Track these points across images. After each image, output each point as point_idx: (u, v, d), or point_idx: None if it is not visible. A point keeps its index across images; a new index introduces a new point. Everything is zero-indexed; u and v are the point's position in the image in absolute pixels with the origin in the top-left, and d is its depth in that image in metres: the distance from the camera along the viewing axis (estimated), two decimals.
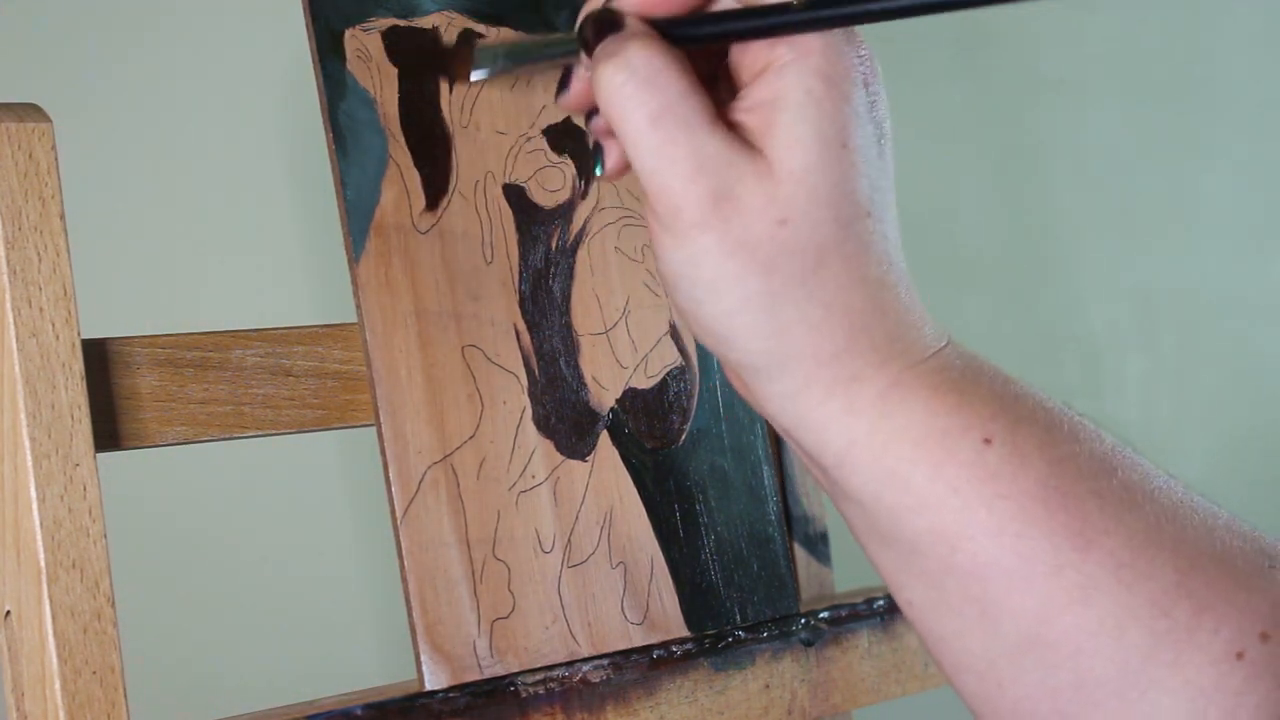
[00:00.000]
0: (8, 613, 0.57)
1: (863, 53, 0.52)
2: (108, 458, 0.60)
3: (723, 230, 0.49)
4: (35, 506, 0.56)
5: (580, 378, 0.70)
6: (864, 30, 0.52)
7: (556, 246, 0.70)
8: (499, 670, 0.65)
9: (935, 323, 0.53)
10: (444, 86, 0.69)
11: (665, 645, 0.70)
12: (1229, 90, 1.72)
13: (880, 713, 0.85)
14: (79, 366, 0.58)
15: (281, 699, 0.65)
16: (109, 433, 0.60)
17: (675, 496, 0.72)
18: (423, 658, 0.64)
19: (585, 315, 0.71)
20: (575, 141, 0.72)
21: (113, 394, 0.61)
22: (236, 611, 1.04)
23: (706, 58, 0.53)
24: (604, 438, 0.70)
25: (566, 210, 0.71)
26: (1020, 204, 1.57)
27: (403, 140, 0.67)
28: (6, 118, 0.57)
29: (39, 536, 0.56)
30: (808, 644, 0.74)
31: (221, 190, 1.04)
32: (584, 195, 0.72)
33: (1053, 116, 1.58)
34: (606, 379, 0.71)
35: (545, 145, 0.71)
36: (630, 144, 0.50)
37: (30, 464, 0.56)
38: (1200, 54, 1.70)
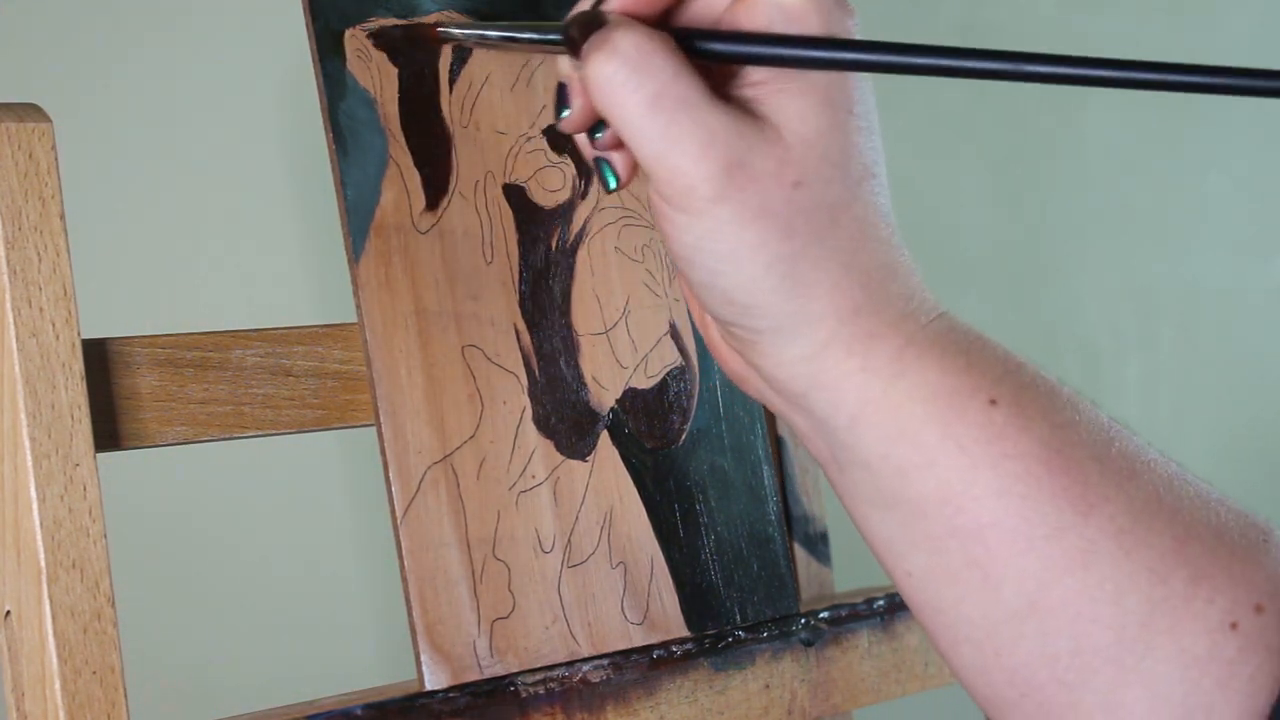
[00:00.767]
0: (8, 613, 0.57)
1: (852, 10, 0.53)
2: (108, 458, 0.60)
3: (740, 200, 0.50)
4: (35, 506, 0.56)
5: (580, 378, 0.70)
6: (861, 21, 0.53)
7: (556, 246, 0.70)
8: (499, 670, 0.65)
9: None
10: (444, 86, 0.69)
11: (665, 645, 0.70)
12: None
13: (880, 713, 0.85)
14: (79, 366, 0.58)
15: (281, 699, 0.65)
16: (109, 433, 0.60)
17: (675, 496, 0.72)
18: (423, 658, 0.64)
19: (585, 315, 0.71)
20: (575, 141, 0.72)
21: (113, 394, 0.61)
22: (236, 611, 1.04)
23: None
24: (604, 438, 0.70)
25: (566, 210, 0.71)
26: (1020, 204, 1.57)
27: (403, 140, 0.67)
28: (6, 118, 0.57)
29: (39, 536, 0.56)
30: (808, 644, 0.74)
31: (221, 190, 1.04)
32: (584, 195, 0.72)
33: (1053, 116, 1.58)
34: (606, 379, 0.71)
35: (545, 145, 0.71)
36: (632, 131, 0.50)
37: (30, 464, 0.56)
38: (1200, 54, 1.70)
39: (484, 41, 0.58)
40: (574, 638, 0.68)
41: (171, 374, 0.62)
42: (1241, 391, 1.72)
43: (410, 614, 0.64)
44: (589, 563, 0.69)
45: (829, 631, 0.74)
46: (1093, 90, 1.61)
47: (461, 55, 0.70)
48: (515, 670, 0.66)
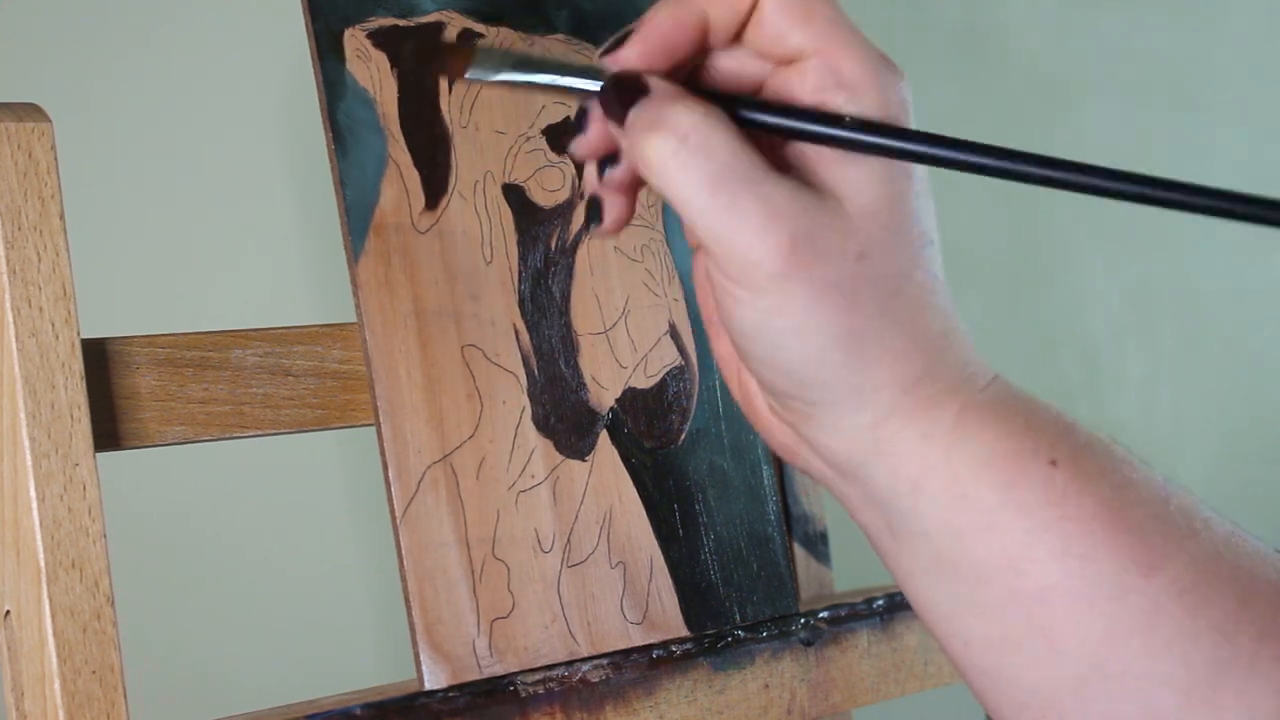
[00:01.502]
0: (7, 612, 0.57)
1: (902, 72, 0.51)
2: (108, 458, 0.60)
3: (806, 276, 0.48)
4: (35, 506, 0.56)
5: (580, 377, 0.70)
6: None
7: (556, 246, 0.70)
8: (498, 670, 0.65)
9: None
10: (444, 86, 0.69)
11: (665, 645, 0.70)
12: (1229, 90, 1.72)
13: (880, 712, 0.86)
14: (79, 366, 0.58)
15: (281, 699, 0.65)
16: (109, 432, 0.60)
17: (675, 496, 0.72)
18: (422, 657, 0.64)
19: (584, 315, 0.71)
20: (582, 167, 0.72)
21: (112, 394, 0.61)
22: (236, 611, 1.04)
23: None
24: (603, 437, 0.70)
25: (566, 210, 0.71)
26: (1020, 204, 1.57)
27: (402, 140, 0.67)
28: (6, 118, 0.57)
29: (38, 536, 0.56)
30: (807, 644, 0.74)
31: (221, 190, 1.04)
32: (583, 195, 0.72)
33: (1053, 116, 1.58)
34: (606, 379, 0.71)
35: (545, 145, 0.71)
36: (691, 212, 0.48)
37: (30, 464, 0.56)
38: (1200, 54, 1.70)
39: (508, 79, 0.56)
40: (573, 637, 0.68)
41: (171, 374, 0.62)
42: (1242, 391, 1.72)
43: (410, 614, 0.64)
44: (588, 562, 0.69)
45: (828, 631, 0.74)
46: (1093, 90, 1.61)
47: None
48: (515, 670, 0.66)
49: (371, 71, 0.67)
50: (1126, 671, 0.49)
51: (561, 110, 0.72)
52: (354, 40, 0.67)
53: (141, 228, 1.01)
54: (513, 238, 0.69)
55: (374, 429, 0.65)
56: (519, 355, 0.69)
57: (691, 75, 0.51)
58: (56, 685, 0.56)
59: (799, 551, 0.79)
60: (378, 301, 0.65)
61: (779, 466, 0.78)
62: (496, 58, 0.53)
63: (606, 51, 0.50)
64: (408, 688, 0.64)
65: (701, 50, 0.51)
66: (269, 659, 1.04)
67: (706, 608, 0.72)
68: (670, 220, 0.74)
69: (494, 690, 0.65)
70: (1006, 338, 1.51)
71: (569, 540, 0.68)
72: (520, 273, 0.69)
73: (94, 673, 0.57)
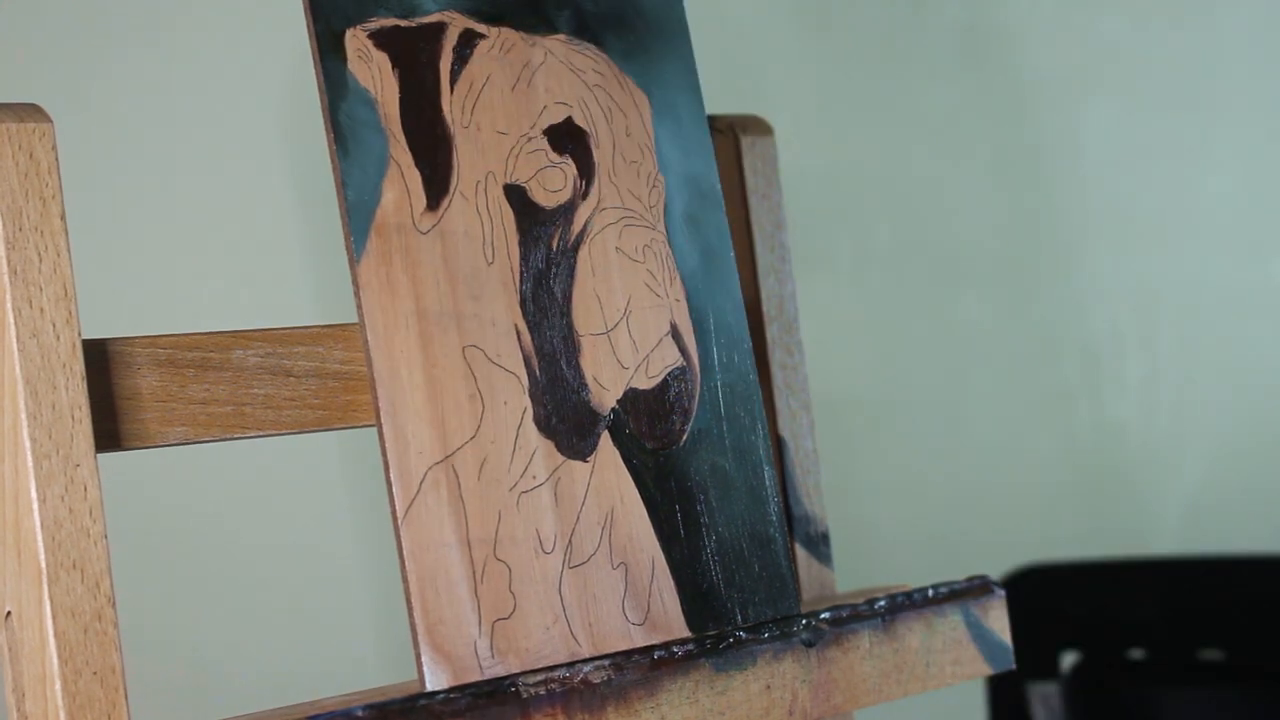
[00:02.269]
0: (8, 613, 0.57)
1: None
2: (108, 458, 0.60)
3: None
4: (36, 507, 0.56)
5: (581, 378, 0.70)
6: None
7: (557, 247, 0.70)
8: (500, 671, 0.65)
9: None
10: (445, 86, 0.69)
11: (666, 646, 0.70)
12: (1229, 90, 1.72)
13: (881, 713, 0.85)
14: (79, 367, 0.58)
15: (281, 699, 0.65)
16: (109, 433, 0.60)
17: (676, 497, 0.72)
18: (423, 658, 0.64)
19: (586, 315, 0.71)
20: (576, 142, 0.72)
21: (113, 394, 0.60)
22: (237, 612, 1.04)
23: None
24: (605, 438, 0.70)
25: (567, 210, 0.71)
26: (1020, 204, 1.57)
27: (403, 140, 0.67)
28: (6, 118, 0.57)
29: (39, 537, 0.56)
30: (809, 644, 0.74)
31: (222, 190, 1.04)
32: (585, 195, 0.72)
33: (1053, 116, 1.58)
34: (607, 379, 0.71)
35: (546, 145, 0.71)
36: None
37: (31, 464, 0.56)
38: (1200, 54, 1.70)
39: None
40: (575, 638, 0.68)
41: (172, 374, 0.62)
42: (1241, 391, 1.72)
43: (411, 614, 0.64)
44: (590, 563, 0.69)
45: (830, 632, 0.74)
46: (1093, 90, 1.61)
47: (462, 55, 0.70)
48: (516, 671, 0.66)
49: (373, 72, 0.67)
50: None
51: (563, 110, 0.72)
52: (355, 40, 0.67)
53: (142, 228, 1.01)
54: (514, 238, 0.69)
55: (375, 430, 0.65)
56: (520, 356, 0.69)
57: None
58: (57, 686, 0.56)
59: (801, 552, 0.79)
60: (379, 302, 0.65)
61: (781, 467, 0.78)
62: None
63: None
64: (409, 688, 0.64)
65: None
66: (270, 659, 1.04)
67: (708, 608, 0.72)
68: (671, 221, 0.74)
69: (495, 691, 0.65)
70: (1006, 338, 1.51)
71: (570, 541, 0.68)
72: (522, 273, 0.69)
73: (95, 673, 0.57)
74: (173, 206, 1.02)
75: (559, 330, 0.70)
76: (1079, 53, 1.60)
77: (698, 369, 0.73)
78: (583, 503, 0.69)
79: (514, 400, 0.68)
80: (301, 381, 0.65)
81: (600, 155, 0.72)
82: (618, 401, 0.71)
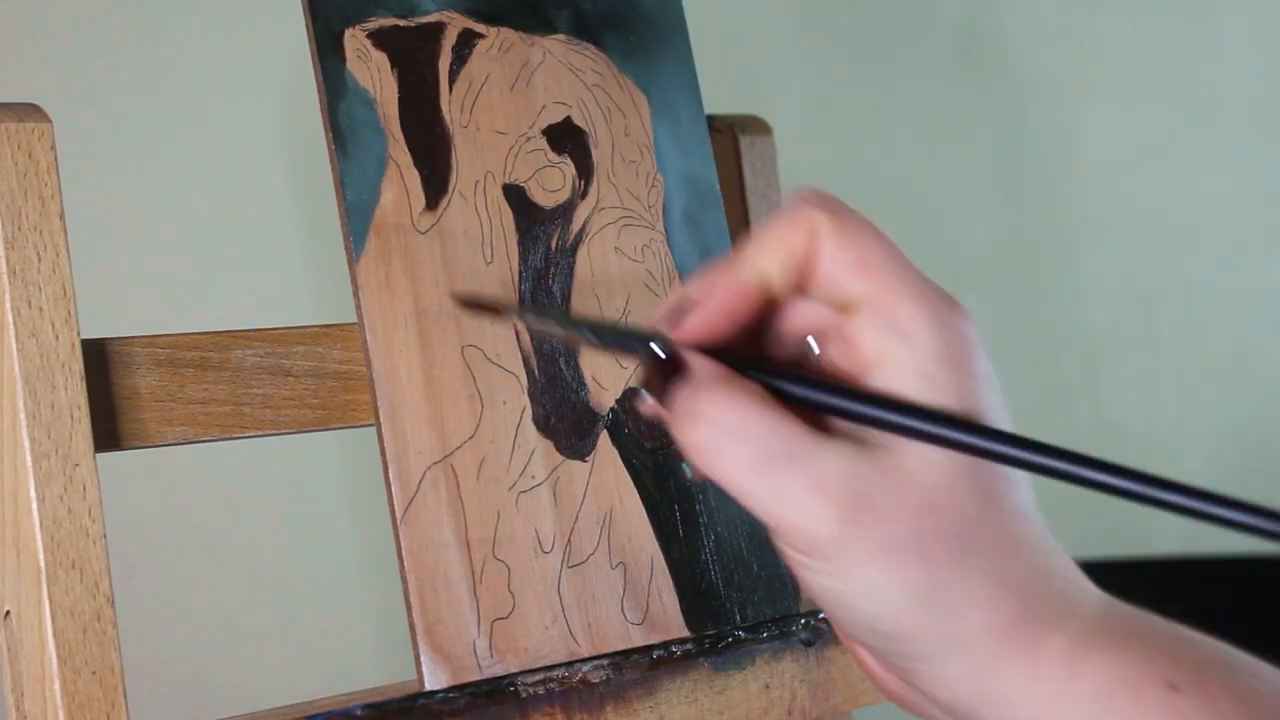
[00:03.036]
0: (7, 613, 0.57)
1: (963, 307, 0.50)
2: (108, 458, 0.60)
3: (867, 538, 0.47)
4: (35, 506, 0.56)
5: (580, 378, 0.70)
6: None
7: (556, 246, 0.70)
8: (499, 670, 0.65)
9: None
10: (444, 86, 0.69)
11: (665, 645, 0.70)
12: (1229, 90, 1.72)
13: (880, 713, 0.85)
14: (79, 366, 0.58)
15: (281, 699, 0.65)
16: (109, 433, 0.60)
17: (675, 496, 0.72)
18: (422, 658, 0.64)
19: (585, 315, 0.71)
20: (575, 141, 0.72)
21: (112, 394, 0.60)
22: (236, 612, 1.04)
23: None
24: (604, 438, 0.70)
25: (566, 210, 0.71)
26: (1020, 204, 1.57)
27: (402, 140, 0.67)
28: (6, 118, 0.57)
29: (38, 536, 0.56)
30: (808, 644, 0.74)
31: (221, 190, 1.04)
32: (584, 195, 0.72)
33: (1053, 116, 1.58)
34: (606, 379, 0.71)
35: (545, 145, 0.71)
36: (739, 494, 0.48)
37: (30, 464, 0.56)
38: (1200, 54, 1.70)
39: (547, 330, 0.53)
40: (574, 638, 0.68)
41: (171, 374, 0.62)
42: (1241, 391, 1.72)
43: (410, 614, 0.64)
44: (589, 563, 0.69)
45: (829, 631, 0.74)
46: (1093, 91, 1.61)
47: (461, 55, 0.70)
48: (515, 670, 0.66)
49: (372, 72, 0.67)
50: None
51: (562, 110, 0.72)
52: (354, 40, 0.67)
53: (141, 228, 1.01)
54: (513, 238, 0.69)
55: (374, 429, 0.65)
56: (519, 355, 0.69)
57: (760, 330, 0.50)
58: (56, 686, 0.56)
59: None
60: (378, 302, 0.65)
61: None
62: (550, 315, 0.51)
63: (669, 323, 0.49)
64: (408, 688, 0.64)
65: (767, 305, 0.50)
66: (269, 659, 1.04)
67: (707, 608, 0.72)
68: (670, 220, 0.74)
69: (494, 691, 0.65)
70: (1006, 338, 1.51)
71: (569, 541, 0.68)
72: (521, 273, 0.69)
73: (94, 673, 0.57)
74: (171, 206, 1.02)
75: None
76: (1079, 53, 1.60)
77: None
78: (582, 502, 0.69)
79: (513, 400, 0.68)
80: (300, 381, 0.65)
81: (599, 155, 0.72)
82: (617, 401, 0.71)
